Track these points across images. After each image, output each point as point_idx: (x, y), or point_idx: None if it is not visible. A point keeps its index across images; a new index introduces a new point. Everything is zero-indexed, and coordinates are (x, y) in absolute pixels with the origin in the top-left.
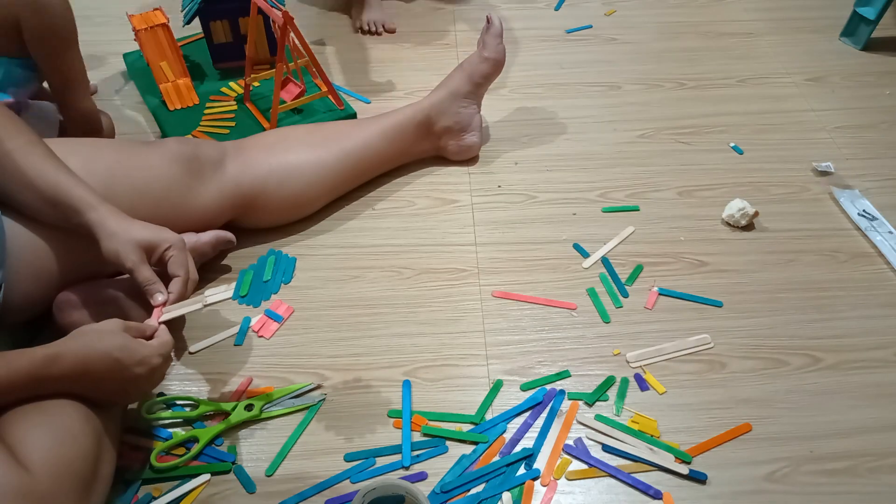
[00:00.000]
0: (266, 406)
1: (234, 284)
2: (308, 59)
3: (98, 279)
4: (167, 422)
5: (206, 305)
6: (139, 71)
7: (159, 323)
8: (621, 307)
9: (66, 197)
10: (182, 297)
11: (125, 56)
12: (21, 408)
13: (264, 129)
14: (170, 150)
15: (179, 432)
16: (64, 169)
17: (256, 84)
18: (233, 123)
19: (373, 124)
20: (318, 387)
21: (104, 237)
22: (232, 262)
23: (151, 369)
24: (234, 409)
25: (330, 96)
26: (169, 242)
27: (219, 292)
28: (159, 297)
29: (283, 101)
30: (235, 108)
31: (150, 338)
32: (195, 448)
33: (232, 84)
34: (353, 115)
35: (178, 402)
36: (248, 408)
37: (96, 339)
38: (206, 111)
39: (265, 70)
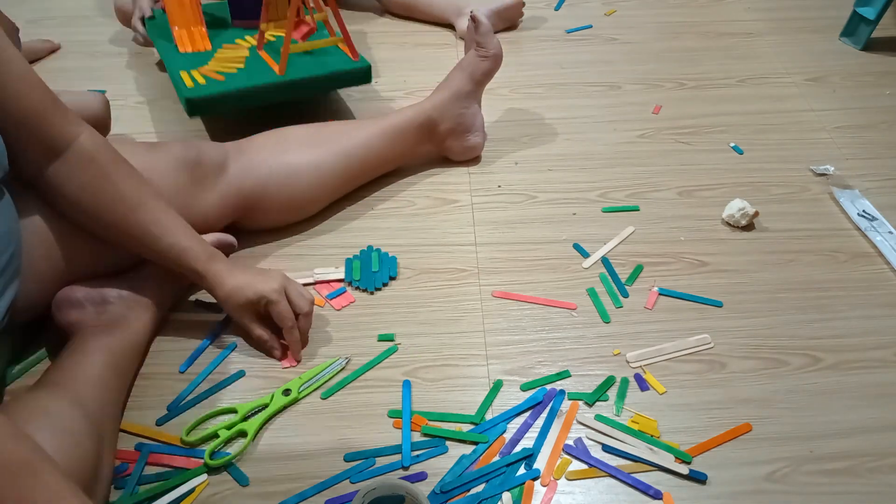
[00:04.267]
0: (302, 387)
1: (342, 268)
2: (326, 12)
3: (98, 278)
4: (210, 435)
5: (316, 281)
6: (158, 29)
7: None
8: (621, 307)
9: (176, 263)
10: (299, 342)
11: (147, 21)
12: (23, 409)
13: (275, 73)
14: (174, 156)
15: (225, 431)
16: (172, 229)
17: (272, 38)
18: (242, 65)
19: (374, 126)
20: (348, 360)
21: (219, 301)
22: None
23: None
24: (272, 398)
25: (345, 46)
26: (264, 296)
27: (328, 272)
28: (276, 353)
29: (295, 42)
30: (247, 54)
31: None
32: (245, 441)
33: (248, 37)
34: (367, 69)
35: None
36: (286, 393)
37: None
38: (217, 55)
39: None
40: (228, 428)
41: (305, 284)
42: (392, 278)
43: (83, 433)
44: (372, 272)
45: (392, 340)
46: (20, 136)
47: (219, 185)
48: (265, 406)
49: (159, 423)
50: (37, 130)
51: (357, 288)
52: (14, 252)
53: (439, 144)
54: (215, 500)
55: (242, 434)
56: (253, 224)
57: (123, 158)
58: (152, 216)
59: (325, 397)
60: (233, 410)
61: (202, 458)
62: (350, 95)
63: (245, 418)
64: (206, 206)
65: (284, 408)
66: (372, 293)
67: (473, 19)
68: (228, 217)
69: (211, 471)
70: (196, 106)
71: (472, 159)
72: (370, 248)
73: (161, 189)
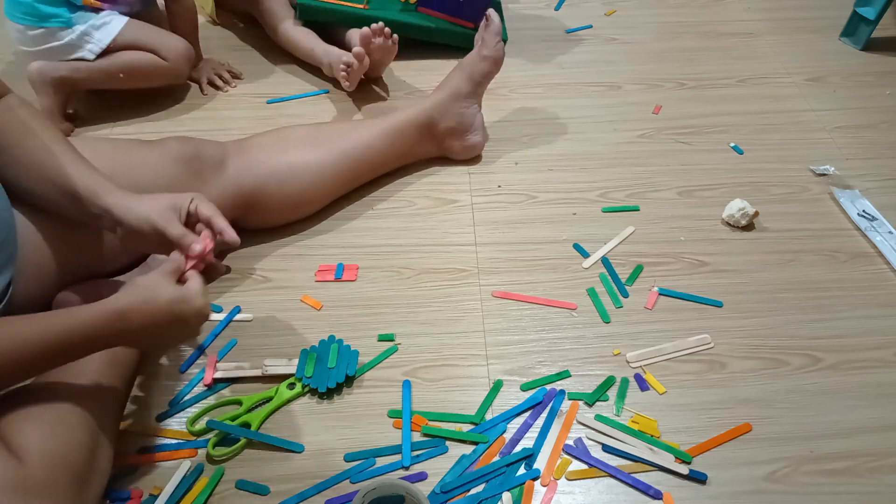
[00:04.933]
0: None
1: (295, 360)
2: None
3: (97, 279)
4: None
5: (265, 375)
6: None
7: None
8: (621, 307)
9: (82, 186)
10: (222, 232)
11: None
12: (15, 399)
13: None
14: (171, 150)
15: (230, 423)
16: (79, 160)
17: None
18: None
19: (374, 126)
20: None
21: (127, 213)
22: (233, 263)
23: (203, 317)
24: (277, 391)
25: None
26: (191, 196)
27: (279, 364)
28: (196, 247)
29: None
30: None
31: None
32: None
33: None
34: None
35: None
36: (291, 386)
37: (153, 293)
38: None
39: None
40: (233, 419)
41: (252, 377)
42: (349, 377)
43: (77, 424)
44: (327, 368)
45: (392, 340)
46: None
47: (217, 180)
48: (269, 399)
49: (160, 418)
50: None
51: (306, 387)
52: (7, 237)
53: (439, 144)
54: (215, 500)
55: (246, 425)
56: (252, 222)
57: (43, 116)
58: (68, 156)
59: (324, 396)
60: (237, 402)
61: (204, 447)
62: (350, 94)
63: (249, 410)
64: None
65: (289, 401)
66: (322, 394)
67: (486, 17)
68: (228, 214)
69: (214, 461)
70: (304, 10)
71: (473, 159)
72: (331, 338)
73: (158, 182)
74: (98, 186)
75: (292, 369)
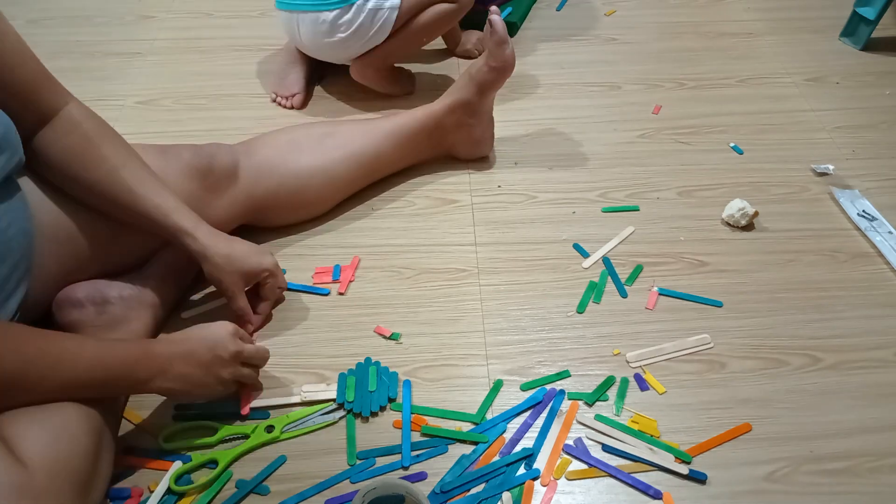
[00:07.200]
0: (286, 427)
1: (333, 385)
2: None
3: (98, 279)
4: (184, 447)
5: (303, 401)
6: None
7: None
8: (599, 303)
9: (163, 223)
10: (267, 315)
11: None
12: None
13: None
14: (186, 163)
15: (199, 454)
16: (158, 190)
17: None
18: None
19: (382, 129)
20: (340, 406)
21: (208, 265)
22: None
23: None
24: (253, 431)
25: None
26: (267, 270)
27: (318, 390)
28: (249, 328)
29: None
30: None
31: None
32: (216, 471)
33: None
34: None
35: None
36: (269, 429)
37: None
38: None
39: None
40: (203, 447)
41: (291, 405)
42: (391, 399)
43: (81, 430)
44: (368, 392)
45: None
46: (13, 107)
47: (230, 192)
48: (245, 437)
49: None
50: (29, 101)
51: (349, 411)
52: (26, 252)
53: (448, 149)
54: (215, 501)
55: (214, 461)
56: (260, 224)
57: (110, 127)
58: (137, 176)
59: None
60: (213, 429)
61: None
62: (351, 96)
63: (221, 441)
64: (217, 213)
65: (262, 445)
66: (367, 419)
67: (490, 23)
68: (239, 221)
69: (173, 493)
70: None
71: (478, 159)
72: (368, 360)
73: None
74: (178, 228)
75: (331, 394)
